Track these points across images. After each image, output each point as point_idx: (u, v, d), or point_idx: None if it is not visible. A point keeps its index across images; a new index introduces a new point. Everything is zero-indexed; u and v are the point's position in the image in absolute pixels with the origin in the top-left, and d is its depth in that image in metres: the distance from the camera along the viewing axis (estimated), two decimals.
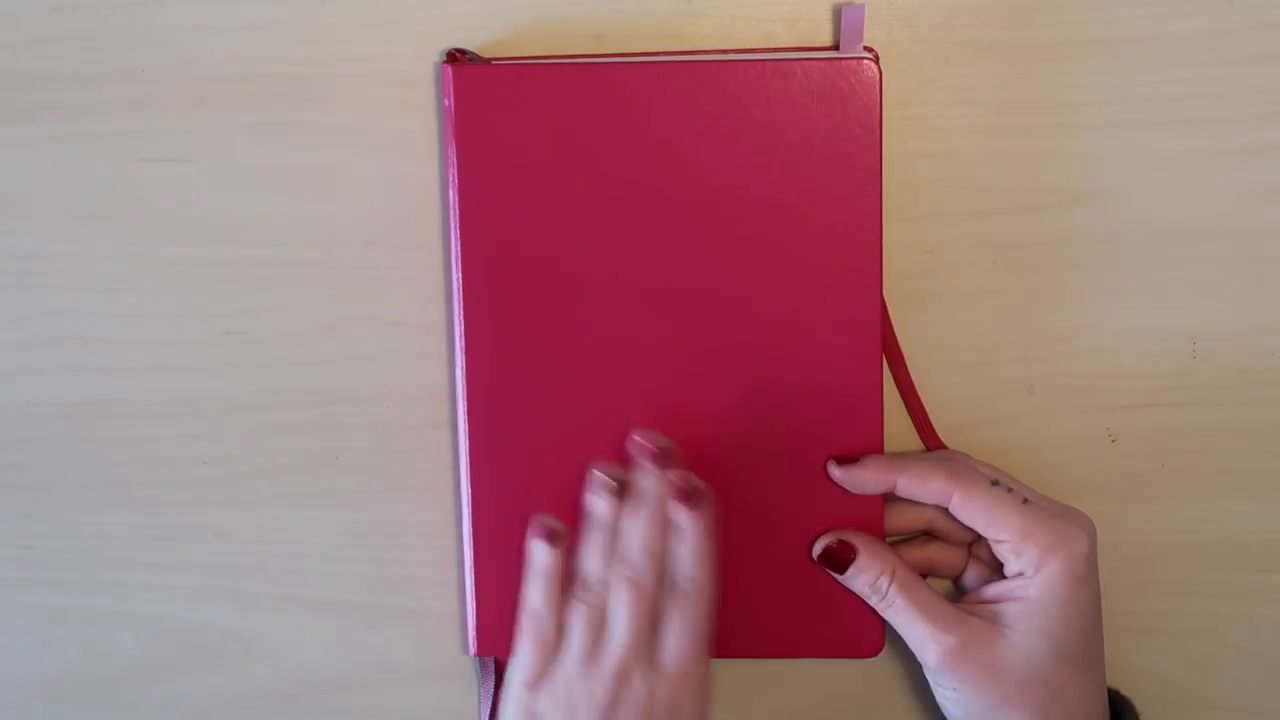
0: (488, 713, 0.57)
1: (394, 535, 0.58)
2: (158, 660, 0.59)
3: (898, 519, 0.55)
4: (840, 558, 0.53)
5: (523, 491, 0.55)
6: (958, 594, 0.56)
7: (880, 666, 0.58)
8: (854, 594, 0.54)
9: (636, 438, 0.53)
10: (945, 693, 0.53)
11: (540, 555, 0.53)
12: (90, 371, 0.57)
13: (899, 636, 0.53)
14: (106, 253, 0.57)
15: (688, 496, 0.51)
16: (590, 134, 0.53)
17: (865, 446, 0.54)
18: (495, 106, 0.53)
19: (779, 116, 0.53)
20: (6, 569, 0.59)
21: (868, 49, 0.54)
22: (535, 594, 0.53)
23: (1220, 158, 0.55)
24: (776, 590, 0.55)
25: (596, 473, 0.53)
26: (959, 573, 0.55)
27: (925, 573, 0.55)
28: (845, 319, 0.53)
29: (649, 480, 0.52)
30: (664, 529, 0.52)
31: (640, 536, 0.52)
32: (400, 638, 0.59)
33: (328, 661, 0.59)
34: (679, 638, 0.51)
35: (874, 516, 0.54)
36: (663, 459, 0.52)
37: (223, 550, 0.58)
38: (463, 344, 0.54)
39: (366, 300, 0.57)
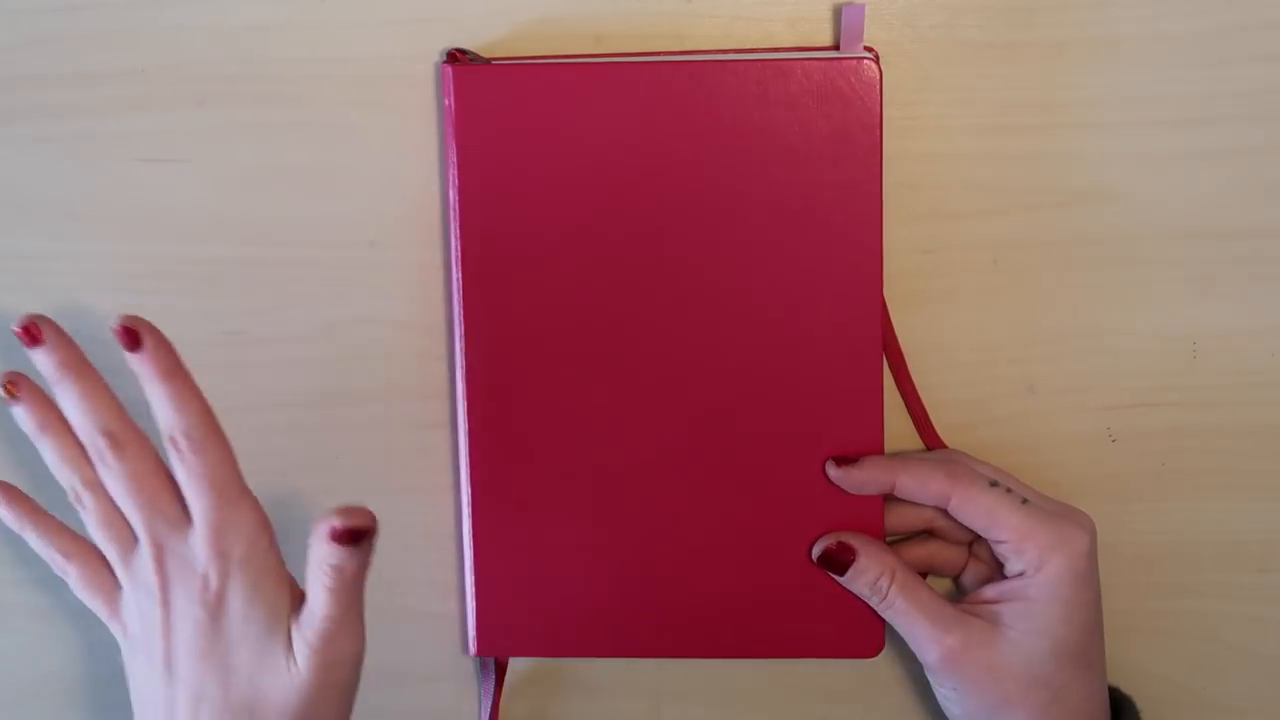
0: (488, 713, 0.57)
1: (394, 535, 0.58)
2: None
3: (898, 519, 0.55)
4: (840, 559, 0.53)
5: (523, 491, 0.55)
6: (958, 594, 0.56)
7: (880, 666, 0.58)
8: (854, 594, 0.54)
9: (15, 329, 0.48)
10: (946, 693, 0.53)
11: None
12: None
13: (899, 636, 0.54)
14: (106, 253, 0.57)
15: (129, 337, 0.47)
16: (590, 134, 0.53)
17: (865, 446, 0.54)
18: (495, 106, 0.53)
19: (779, 116, 0.53)
20: (6, 569, 0.59)
21: (868, 49, 0.54)
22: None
23: (1220, 158, 0.55)
24: (776, 590, 0.55)
25: None
26: (959, 572, 0.55)
27: (925, 572, 0.55)
28: (845, 319, 0.53)
29: (42, 359, 0.49)
30: (98, 397, 0.49)
31: (85, 418, 0.49)
32: (400, 638, 0.58)
33: None
34: (200, 496, 0.48)
35: (874, 517, 0.54)
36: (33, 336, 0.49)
37: None
38: (463, 344, 0.54)
39: (366, 300, 0.57)
